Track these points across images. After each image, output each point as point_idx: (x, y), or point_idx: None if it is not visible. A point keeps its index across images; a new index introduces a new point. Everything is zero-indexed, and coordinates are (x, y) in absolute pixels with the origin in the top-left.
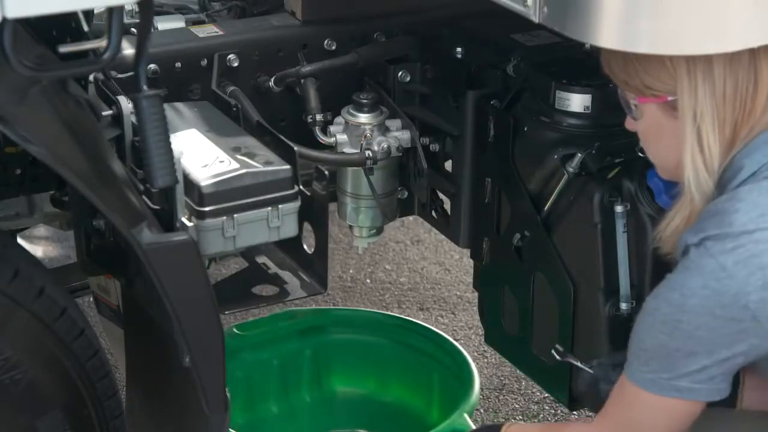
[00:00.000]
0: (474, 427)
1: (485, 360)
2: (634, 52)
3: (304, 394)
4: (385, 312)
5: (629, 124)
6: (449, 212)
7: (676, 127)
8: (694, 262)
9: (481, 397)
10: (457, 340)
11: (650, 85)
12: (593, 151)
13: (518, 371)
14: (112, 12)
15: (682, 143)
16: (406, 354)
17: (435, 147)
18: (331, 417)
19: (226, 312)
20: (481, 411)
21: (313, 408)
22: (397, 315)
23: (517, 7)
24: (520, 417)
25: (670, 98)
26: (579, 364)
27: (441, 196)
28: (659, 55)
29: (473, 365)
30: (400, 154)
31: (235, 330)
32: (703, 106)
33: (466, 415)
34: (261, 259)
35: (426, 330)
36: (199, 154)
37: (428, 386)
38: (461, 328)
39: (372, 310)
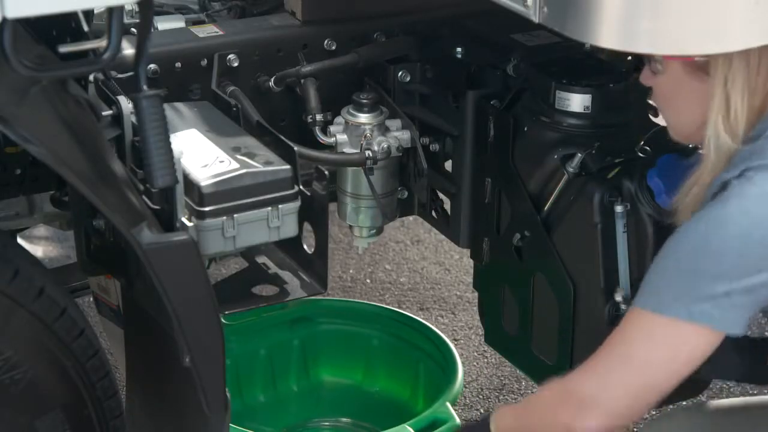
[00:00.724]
0: (455, 416)
1: (485, 360)
2: None
3: (291, 384)
4: (373, 303)
5: (645, 78)
6: (449, 212)
7: (697, 89)
8: (735, 190)
9: (480, 397)
10: (457, 340)
11: None
12: (593, 151)
13: (518, 371)
14: (112, 12)
15: (709, 107)
16: (392, 344)
17: (435, 147)
18: (317, 406)
19: (226, 312)
20: (482, 411)
21: (300, 397)
22: (385, 306)
23: (517, 7)
24: None
25: (698, 59)
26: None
27: (441, 196)
28: None
29: (457, 355)
30: (400, 154)
31: (222, 319)
32: (735, 73)
33: (448, 404)
34: (261, 259)
35: (413, 321)
36: (199, 154)
37: (414, 376)
38: (461, 328)
39: (359, 301)
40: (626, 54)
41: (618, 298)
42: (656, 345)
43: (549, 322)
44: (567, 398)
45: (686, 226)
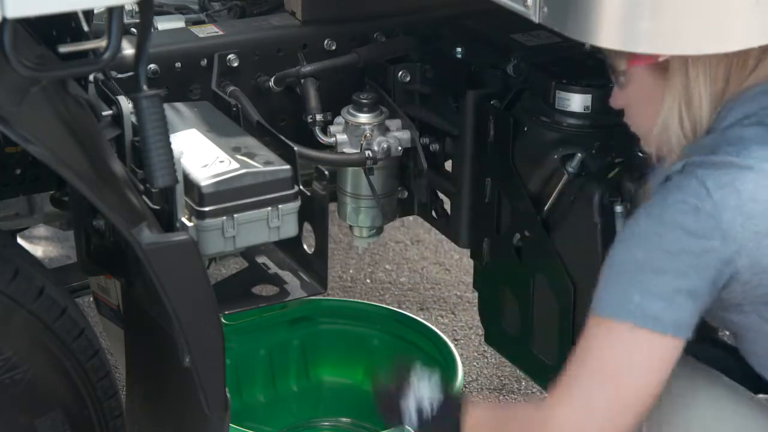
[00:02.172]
0: None
1: (485, 360)
2: None
3: (291, 384)
4: (373, 303)
5: (615, 100)
6: (449, 212)
7: (662, 87)
8: (675, 182)
9: (480, 397)
10: (457, 340)
11: None
12: (593, 151)
13: (518, 371)
14: (112, 12)
15: (669, 100)
16: (392, 344)
17: (435, 147)
18: (317, 406)
19: (226, 312)
20: None
21: (300, 397)
22: (385, 306)
23: (517, 7)
24: None
25: (661, 58)
26: None
27: (441, 196)
28: None
29: (457, 355)
30: (400, 154)
31: (222, 319)
32: (695, 61)
33: None
34: (261, 259)
35: (413, 321)
36: (199, 154)
37: None
38: (461, 328)
39: (360, 301)
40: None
41: None
42: (623, 354)
43: (549, 322)
44: (540, 424)
45: (630, 222)
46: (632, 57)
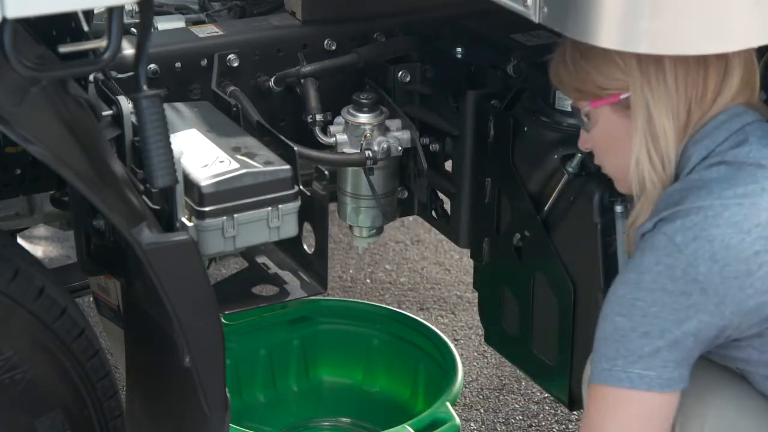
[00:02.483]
0: (455, 416)
1: (485, 360)
2: (581, 58)
3: (291, 383)
4: (373, 303)
5: (583, 142)
6: (449, 212)
7: (628, 126)
8: (648, 243)
9: (480, 397)
10: (457, 340)
11: (603, 85)
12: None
13: (518, 371)
14: (112, 12)
15: (636, 137)
16: (392, 344)
17: (435, 147)
18: (317, 406)
19: (226, 312)
20: (482, 411)
21: (300, 397)
22: (385, 306)
23: (517, 7)
24: (520, 417)
25: (623, 96)
26: None
27: (441, 196)
28: (609, 55)
29: (457, 355)
30: (400, 154)
31: (222, 319)
32: (656, 93)
33: (448, 404)
34: (261, 259)
35: (413, 321)
36: (199, 154)
37: (414, 376)
38: (461, 328)
39: (359, 301)
40: None
41: None
42: (616, 415)
43: (549, 322)
44: None
45: (613, 286)
46: (594, 98)
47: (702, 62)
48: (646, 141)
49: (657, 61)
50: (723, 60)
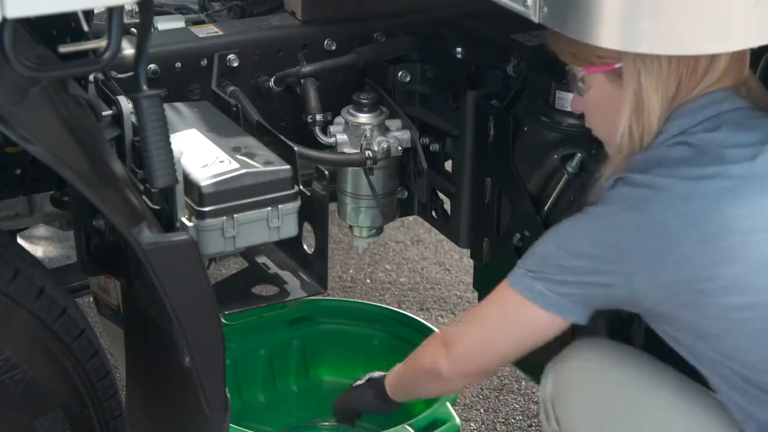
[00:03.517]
0: (455, 416)
1: None
2: None
3: (291, 384)
4: (373, 303)
5: (575, 104)
6: (449, 212)
7: (620, 95)
8: (604, 196)
9: (480, 396)
10: None
11: (598, 52)
12: (593, 151)
13: (518, 371)
14: (112, 12)
15: (625, 107)
16: (393, 344)
17: (435, 147)
18: (317, 406)
19: (226, 312)
20: (482, 411)
21: (300, 397)
22: (385, 306)
23: (517, 7)
24: (520, 417)
25: (617, 65)
26: None
27: (441, 196)
28: None
29: None
30: (400, 154)
31: (222, 319)
32: (648, 66)
33: (448, 404)
34: (261, 259)
35: (413, 321)
36: (199, 154)
37: None
38: None
39: (360, 301)
40: None
41: None
42: (503, 314)
43: None
44: (434, 338)
45: (563, 221)
46: (589, 64)
47: None
48: (631, 112)
49: None
50: None
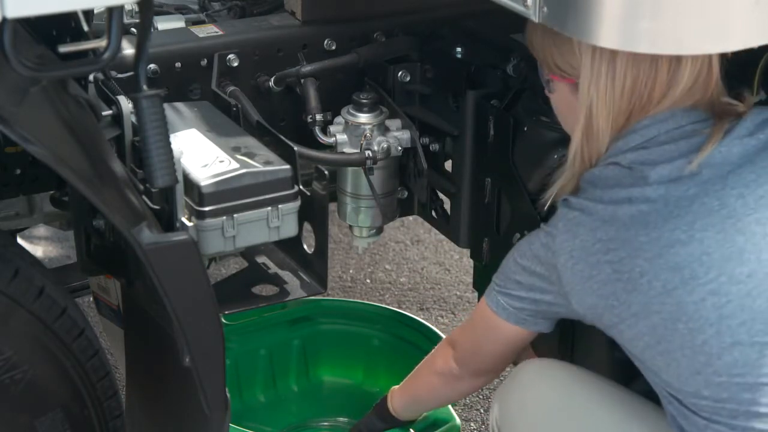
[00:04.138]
0: (455, 416)
1: None
2: (551, 32)
3: (291, 384)
4: (373, 303)
5: (548, 94)
6: (449, 212)
7: (578, 109)
8: (556, 214)
9: (480, 396)
10: None
11: (560, 66)
12: None
13: None
14: (112, 12)
15: (575, 123)
16: (393, 344)
17: (435, 147)
18: (317, 406)
19: (226, 312)
20: (482, 411)
21: (300, 397)
22: (385, 306)
23: (517, 7)
24: None
25: (576, 81)
26: None
27: (441, 196)
28: (570, 40)
29: None
30: (400, 154)
31: (222, 319)
32: (602, 94)
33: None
34: (261, 259)
35: (413, 321)
36: (199, 154)
37: None
38: None
39: (360, 301)
40: None
41: None
42: (482, 324)
43: None
44: (444, 343)
45: (526, 237)
46: (552, 72)
47: (653, 74)
48: (582, 134)
49: (611, 59)
50: (674, 61)
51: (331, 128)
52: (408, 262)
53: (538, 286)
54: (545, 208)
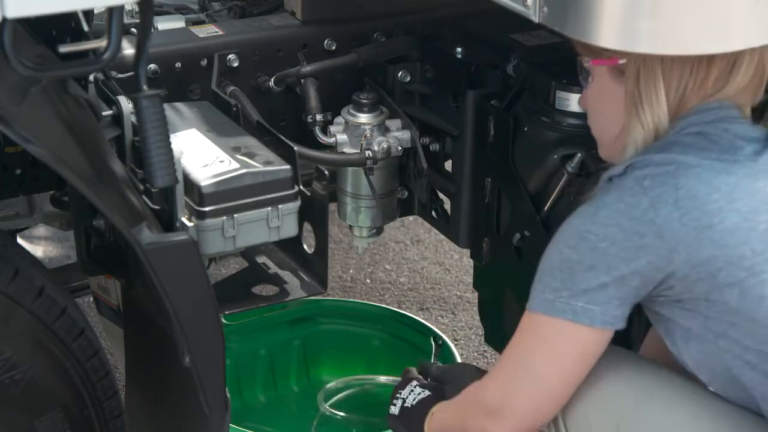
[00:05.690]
0: None
1: (485, 360)
2: None
3: (291, 384)
4: (373, 303)
5: (582, 99)
6: (449, 212)
7: (620, 92)
8: (615, 184)
9: None
10: (457, 340)
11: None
12: (593, 151)
13: None
14: (112, 12)
15: (627, 103)
16: (393, 344)
17: (435, 147)
18: (317, 406)
19: (226, 312)
20: None
21: (301, 397)
22: (385, 306)
23: (517, 7)
24: None
25: (621, 61)
26: None
27: (441, 196)
28: None
29: (457, 355)
30: (400, 154)
31: (222, 319)
32: (648, 69)
33: None
34: (261, 259)
35: (413, 321)
36: (199, 154)
37: None
38: (461, 328)
39: (360, 301)
40: None
41: None
42: (549, 347)
43: None
44: (474, 408)
45: (566, 221)
46: (595, 56)
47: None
48: (636, 109)
49: None
50: (731, 55)
51: (331, 128)
52: (408, 262)
53: (623, 255)
54: (545, 208)
